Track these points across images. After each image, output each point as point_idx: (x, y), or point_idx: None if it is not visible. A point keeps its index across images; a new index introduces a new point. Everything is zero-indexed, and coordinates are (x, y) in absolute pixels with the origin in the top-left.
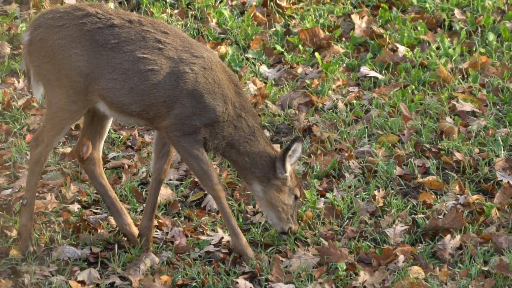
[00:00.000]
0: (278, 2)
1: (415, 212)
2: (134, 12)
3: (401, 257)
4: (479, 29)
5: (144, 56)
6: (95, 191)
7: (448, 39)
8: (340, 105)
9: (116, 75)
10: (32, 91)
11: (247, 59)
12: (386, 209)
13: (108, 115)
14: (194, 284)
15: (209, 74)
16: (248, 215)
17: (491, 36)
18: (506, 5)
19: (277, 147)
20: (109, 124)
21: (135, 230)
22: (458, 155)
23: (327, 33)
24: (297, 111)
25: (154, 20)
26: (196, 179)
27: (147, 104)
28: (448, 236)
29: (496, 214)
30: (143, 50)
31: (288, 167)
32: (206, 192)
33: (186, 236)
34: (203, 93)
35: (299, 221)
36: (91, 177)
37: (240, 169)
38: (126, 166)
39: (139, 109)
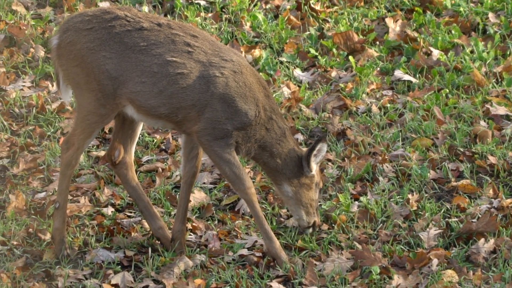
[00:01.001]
0: (312, 5)
1: (449, 215)
2: (168, 16)
3: (435, 261)
4: None
5: (173, 60)
6: (128, 195)
7: (482, 42)
8: (374, 108)
9: (144, 78)
10: (61, 95)
11: (281, 62)
12: (420, 212)
13: (136, 119)
14: (228, 287)
15: (239, 78)
16: (282, 219)
17: None
18: None
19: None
20: (140, 128)
21: (168, 234)
22: (492, 159)
23: (361, 36)
24: (331, 115)
25: (183, 23)
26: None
27: (176, 106)
28: (482, 240)
29: None
30: (172, 53)
31: (314, 166)
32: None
33: (220, 239)
34: (235, 97)
35: (333, 225)
36: (124, 181)
37: (270, 171)
38: (160, 170)
39: (168, 111)
